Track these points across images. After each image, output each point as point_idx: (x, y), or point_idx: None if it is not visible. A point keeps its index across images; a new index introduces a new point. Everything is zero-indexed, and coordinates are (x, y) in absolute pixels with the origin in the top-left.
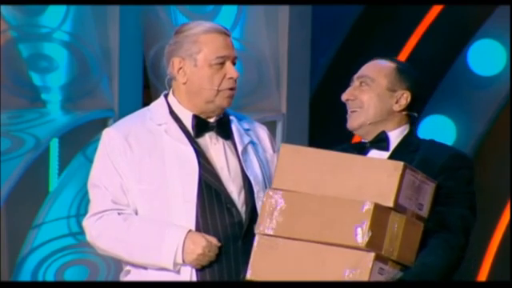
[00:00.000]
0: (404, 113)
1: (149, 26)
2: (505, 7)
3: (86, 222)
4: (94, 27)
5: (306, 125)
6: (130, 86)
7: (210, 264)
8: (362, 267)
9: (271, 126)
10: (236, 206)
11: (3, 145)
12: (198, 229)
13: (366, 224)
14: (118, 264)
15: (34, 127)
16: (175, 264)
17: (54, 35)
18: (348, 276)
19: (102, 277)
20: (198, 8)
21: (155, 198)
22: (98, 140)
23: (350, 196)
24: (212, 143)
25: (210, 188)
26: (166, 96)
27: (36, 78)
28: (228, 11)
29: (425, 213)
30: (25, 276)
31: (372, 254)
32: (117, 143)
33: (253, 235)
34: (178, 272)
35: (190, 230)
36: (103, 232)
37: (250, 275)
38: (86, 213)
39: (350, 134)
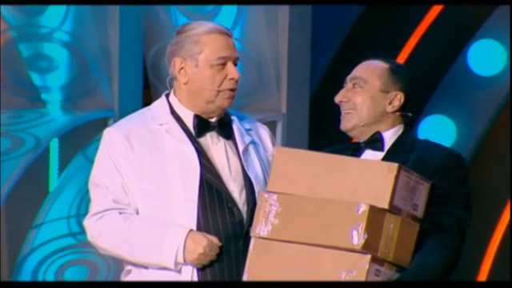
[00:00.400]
0: (397, 113)
1: (149, 26)
2: (505, 7)
3: (87, 222)
4: (93, 27)
5: (305, 125)
6: (130, 86)
7: (211, 263)
8: (358, 269)
9: (271, 126)
10: (237, 206)
11: (3, 145)
12: (199, 228)
13: (362, 226)
14: (117, 264)
15: (34, 127)
16: (176, 263)
17: (54, 35)
18: (344, 278)
19: (102, 277)
20: (198, 8)
21: (156, 197)
22: (98, 140)
23: (345, 198)
24: (213, 143)
25: (211, 187)
26: (167, 96)
27: (36, 78)
28: (228, 11)
29: (420, 213)
30: (25, 276)
31: (368, 256)
32: (118, 143)
33: (250, 234)
34: (179, 271)
35: (191, 230)
36: (104, 231)
37: (246, 278)
38: (86, 213)
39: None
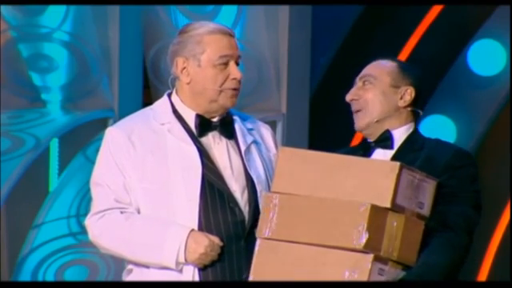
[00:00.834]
0: (409, 109)
1: (149, 26)
2: (505, 7)
3: (89, 221)
4: (93, 27)
5: (306, 125)
6: (130, 86)
7: (213, 263)
8: (360, 269)
9: (271, 126)
10: (239, 206)
11: (3, 145)
12: (200, 228)
13: (363, 225)
14: (118, 264)
15: (33, 127)
16: (177, 263)
17: (54, 35)
18: (348, 278)
19: (102, 277)
20: (198, 8)
21: (158, 196)
22: (98, 140)
23: (348, 198)
24: (215, 143)
25: (212, 187)
26: (169, 95)
27: (36, 78)
28: (228, 11)
29: (426, 211)
30: (25, 276)
31: (370, 256)
32: (120, 142)
33: (256, 235)
34: (181, 271)
35: (192, 229)
36: (105, 231)
37: (252, 279)
38: (86, 213)
39: (350, 134)
